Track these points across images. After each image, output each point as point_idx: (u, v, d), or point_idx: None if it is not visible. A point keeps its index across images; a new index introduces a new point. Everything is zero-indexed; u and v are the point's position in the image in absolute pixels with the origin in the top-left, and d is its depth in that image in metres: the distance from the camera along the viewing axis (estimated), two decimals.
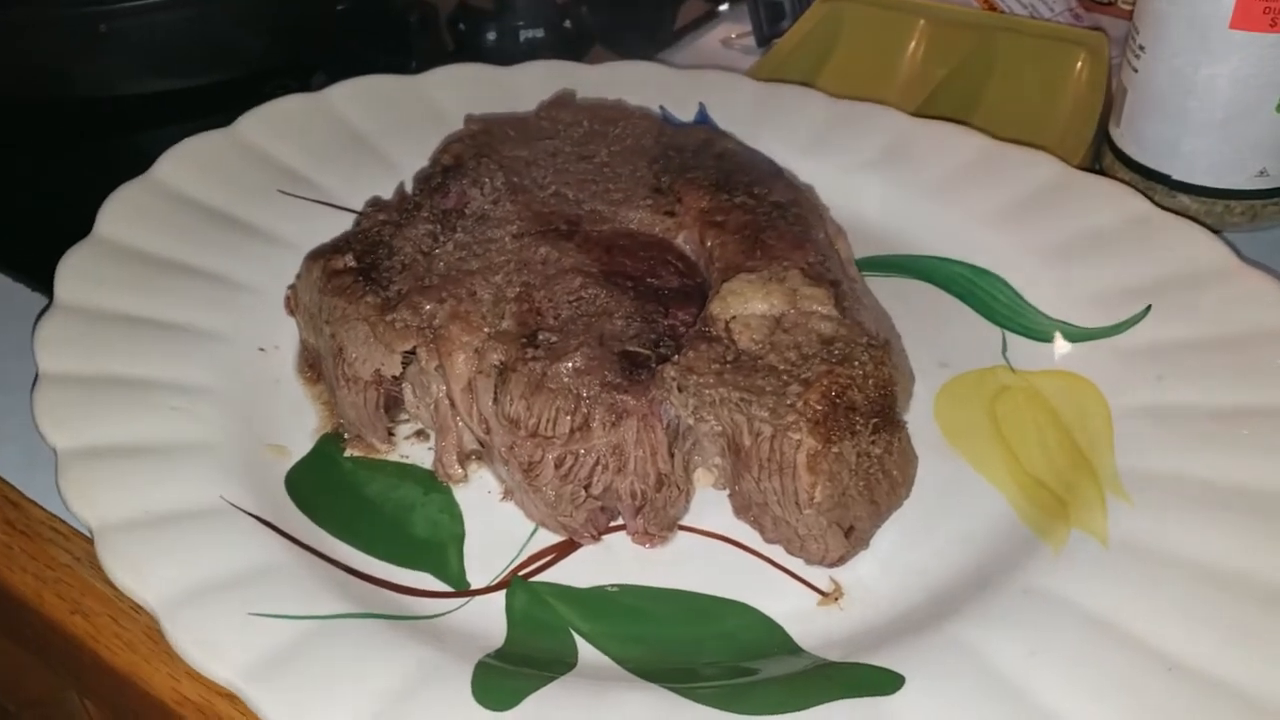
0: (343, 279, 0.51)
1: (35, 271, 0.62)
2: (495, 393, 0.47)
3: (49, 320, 0.53)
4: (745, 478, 0.46)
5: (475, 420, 0.48)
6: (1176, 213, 0.64)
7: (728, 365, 0.45)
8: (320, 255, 0.53)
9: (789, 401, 0.44)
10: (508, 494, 0.49)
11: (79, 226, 0.58)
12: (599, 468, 0.46)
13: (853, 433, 0.44)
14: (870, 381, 0.46)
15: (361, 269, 0.51)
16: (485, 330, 0.48)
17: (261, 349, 0.56)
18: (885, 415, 0.46)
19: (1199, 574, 0.44)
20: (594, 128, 0.59)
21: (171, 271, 0.57)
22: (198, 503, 0.47)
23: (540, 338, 0.47)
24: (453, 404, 0.48)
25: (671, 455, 0.47)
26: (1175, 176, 0.65)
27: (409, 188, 0.60)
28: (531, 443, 0.46)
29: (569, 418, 0.45)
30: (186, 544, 0.45)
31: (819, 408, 0.44)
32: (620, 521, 0.48)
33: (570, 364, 0.45)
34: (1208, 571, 0.44)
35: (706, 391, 0.45)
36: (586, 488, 0.46)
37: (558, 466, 0.45)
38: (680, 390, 0.45)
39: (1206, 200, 0.65)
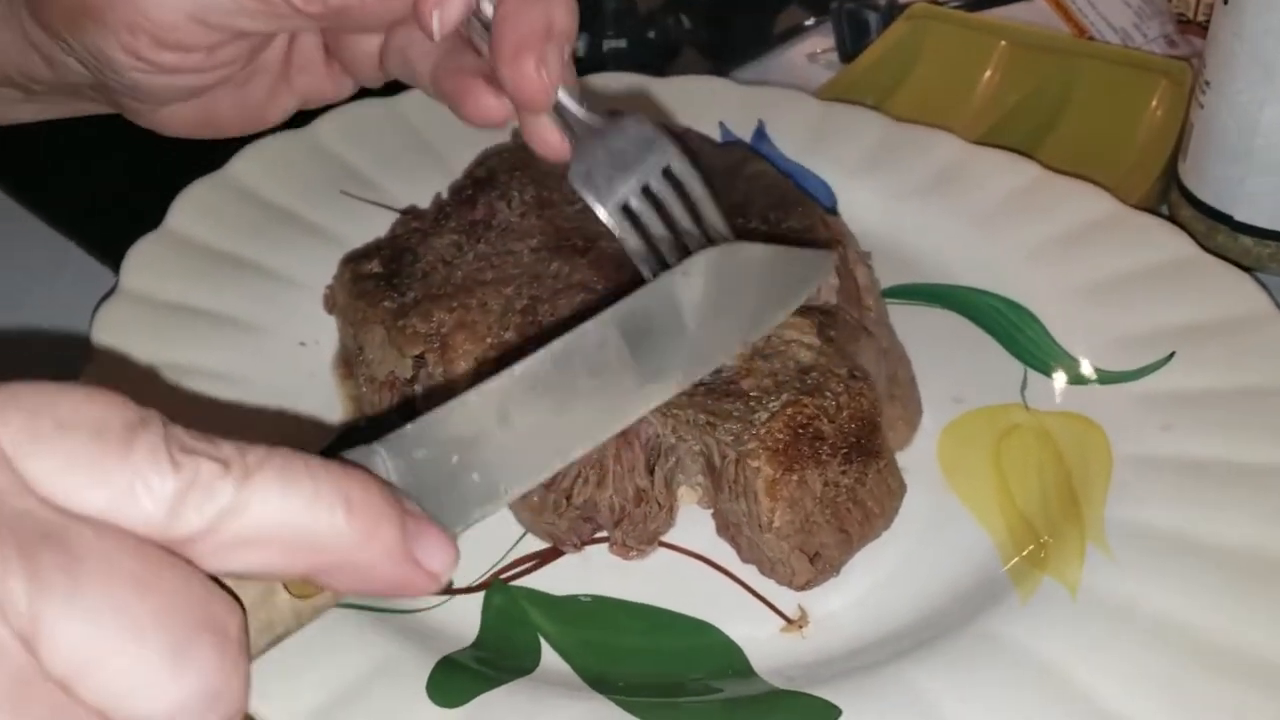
0: (366, 283, 0.54)
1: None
2: None
3: (109, 305, 0.57)
4: (720, 497, 0.48)
5: None
6: (1238, 255, 0.63)
7: (700, 388, 0.46)
8: (352, 258, 0.56)
9: (753, 430, 0.45)
10: None
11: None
12: (580, 480, 0.48)
13: (818, 462, 0.45)
14: (844, 413, 0.46)
15: (385, 274, 0.54)
16: (489, 341, 0.50)
17: (302, 343, 0.59)
18: (859, 446, 0.47)
19: (1160, 634, 0.43)
20: None
21: (229, 265, 0.61)
22: None
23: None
24: None
25: (651, 472, 0.48)
26: (1238, 218, 0.63)
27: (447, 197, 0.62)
28: None
29: None
30: None
31: (780, 436, 0.45)
32: (604, 533, 0.50)
33: None
34: (1169, 632, 0.43)
35: (677, 411, 0.46)
36: (568, 498, 0.48)
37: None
38: (658, 410, 0.47)
39: (1271, 244, 0.63)
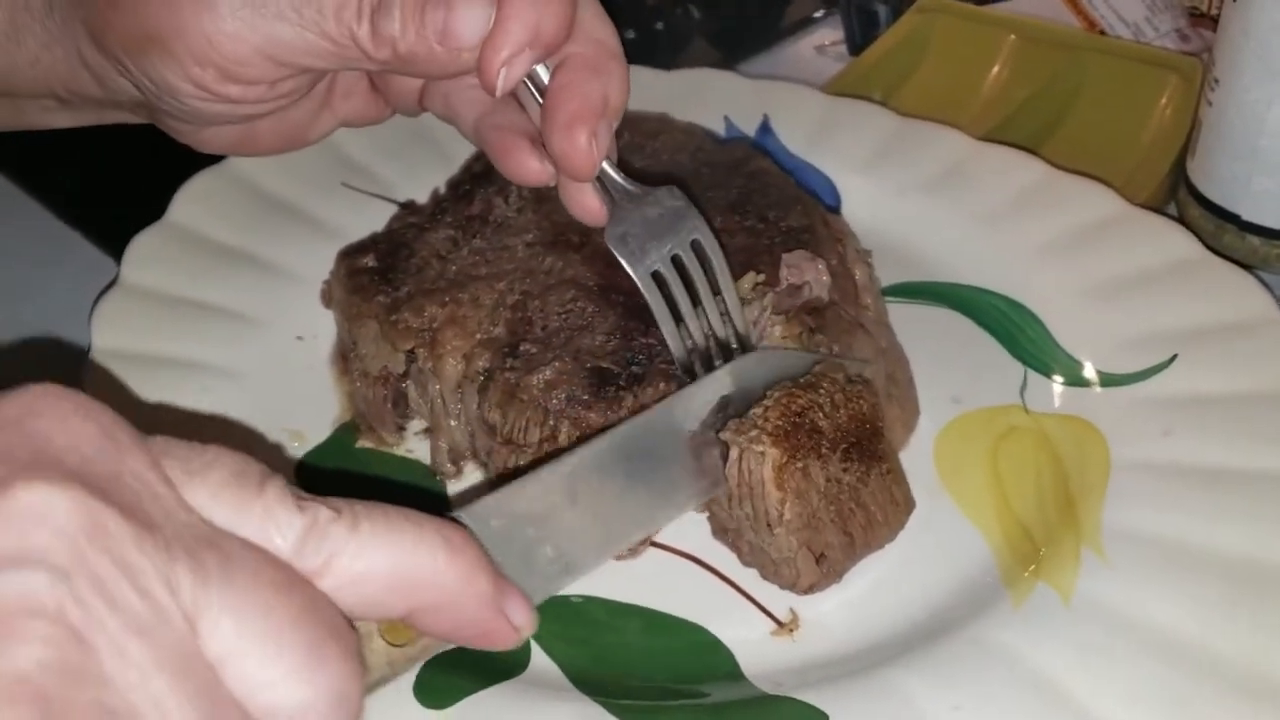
0: (361, 277, 0.54)
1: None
2: (479, 398, 0.49)
3: (109, 298, 0.57)
4: (719, 505, 0.47)
5: (462, 422, 0.50)
6: (1244, 255, 0.62)
7: None
8: (348, 253, 0.56)
9: (752, 420, 0.45)
10: None
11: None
12: None
13: (819, 454, 0.45)
14: (841, 411, 0.46)
15: (379, 269, 0.54)
16: (477, 336, 0.50)
17: (300, 337, 0.59)
18: (859, 446, 0.46)
19: (1152, 642, 0.43)
20: (634, 140, 0.61)
21: (230, 258, 0.61)
22: None
23: (521, 348, 0.49)
24: (444, 404, 0.51)
25: None
26: (1245, 217, 0.62)
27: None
28: (506, 449, 0.48)
29: (539, 429, 0.47)
30: None
31: (779, 423, 0.44)
32: None
33: (541, 377, 0.47)
34: (1163, 641, 0.43)
35: None
36: None
37: None
38: None
39: (1277, 243, 0.62)
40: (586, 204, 0.47)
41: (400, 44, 0.43)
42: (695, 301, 0.47)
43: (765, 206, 0.55)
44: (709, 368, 0.47)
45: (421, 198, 0.65)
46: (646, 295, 0.46)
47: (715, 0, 0.84)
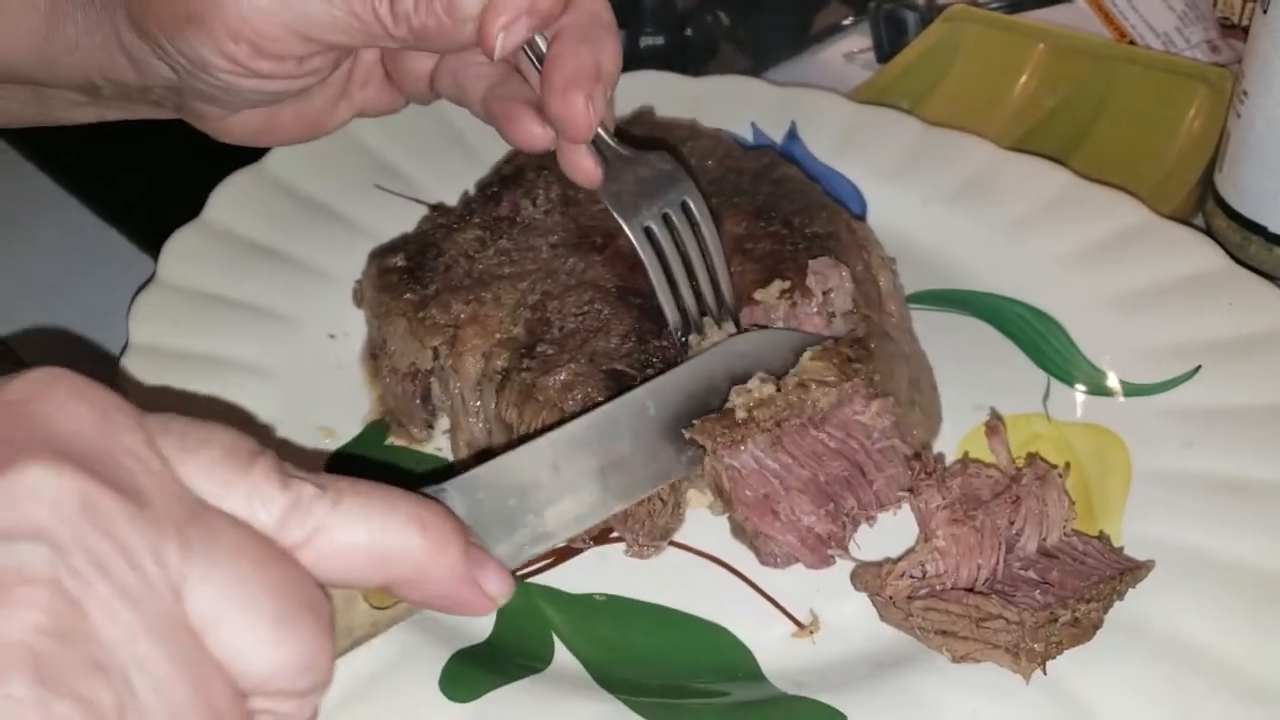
0: (390, 276, 0.55)
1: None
2: (496, 397, 0.50)
3: (145, 295, 0.58)
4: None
5: (481, 420, 0.51)
6: (1271, 267, 0.62)
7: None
8: (378, 253, 0.57)
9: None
10: None
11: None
12: None
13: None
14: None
15: (409, 268, 0.55)
16: (497, 335, 0.51)
17: (332, 335, 0.60)
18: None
19: (1172, 654, 0.43)
20: (663, 146, 0.61)
21: (264, 257, 0.62)
22: None
23: (538, 349, 0.50)
24: (464, 401, 0.51)
25: None
26: (1272, 229, 0.62)
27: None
28: None
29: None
30: None
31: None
32: (618, 534, 0.51)
33: (557, 378, 0.48)
34: (1180, 652, 0.43)
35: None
36: None
37: None
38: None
39: None
40: (583, 166, 0.49)
41: (414, 19, 0.47)
42: (687, 265, 0.49)
43: (790, 213, 0.55)
44: (698, 325, 0.50)
45: (451, 200, 0.66)
46: (638, 247, 0.48)
47: (744, 7, 0.85)
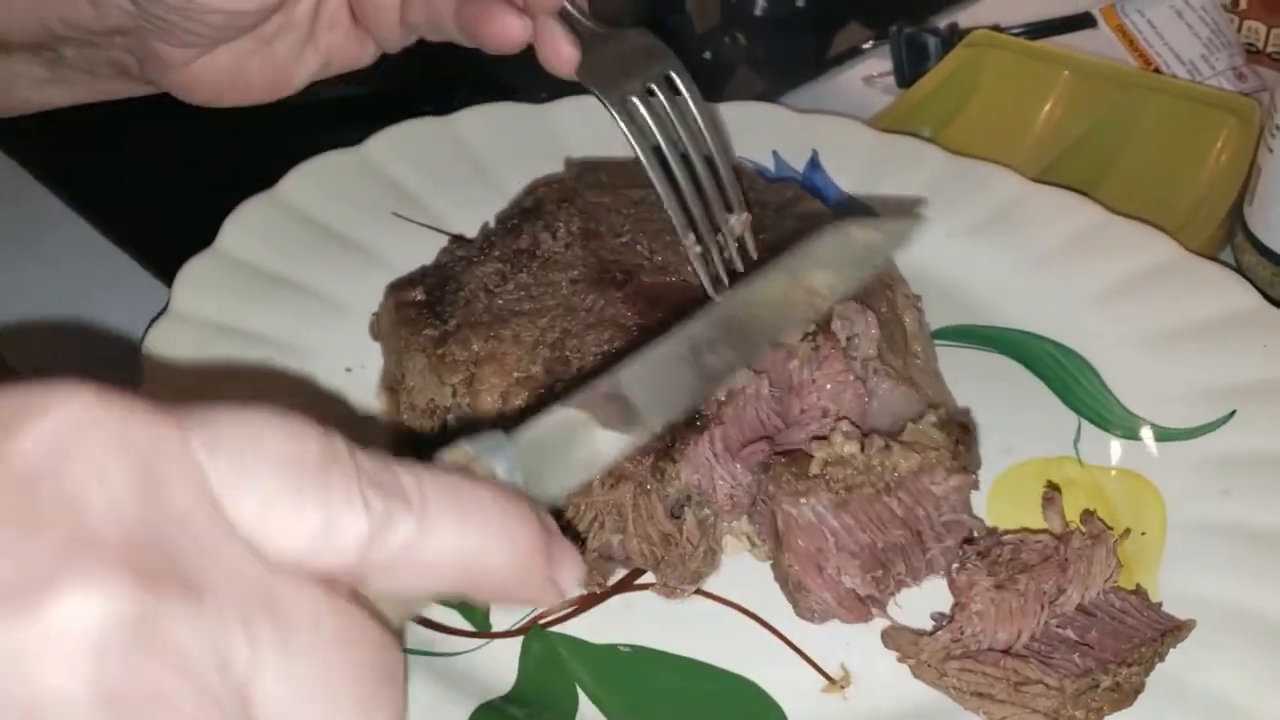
0: (409, 310, 0.54)
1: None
2: None
3: (159, 327, 0.57)
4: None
5: None
6: None
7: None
8: (396, 286, 0.56)
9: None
10: None
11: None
12: (595, 524, 0.47)
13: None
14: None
15: (428, 302, 0.54)
16: (515, 375, 0.50)
17: (348, 369, 0.59)
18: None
19: (1204, 707, 0.42)
20: None
21: (279, 287, 0.61)
22: None
23: (556, 389, 0.49)
24: None
25: (677, 517, 0.48)
26: None
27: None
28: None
29: None
30: None
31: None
32: (646, 580, 0.50)
33: None
34: (1218, 711, 0.42)
35: None
36: (583, 541, 0.48)
37: (558, 517, 0.47)
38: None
39: None
40: (559, 48, 0.48)
41: None
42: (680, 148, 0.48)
43: None
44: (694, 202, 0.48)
45: (468, 228, 0.65)
46: (618, 121, 0.46)
47: (763, 29, 0.84)
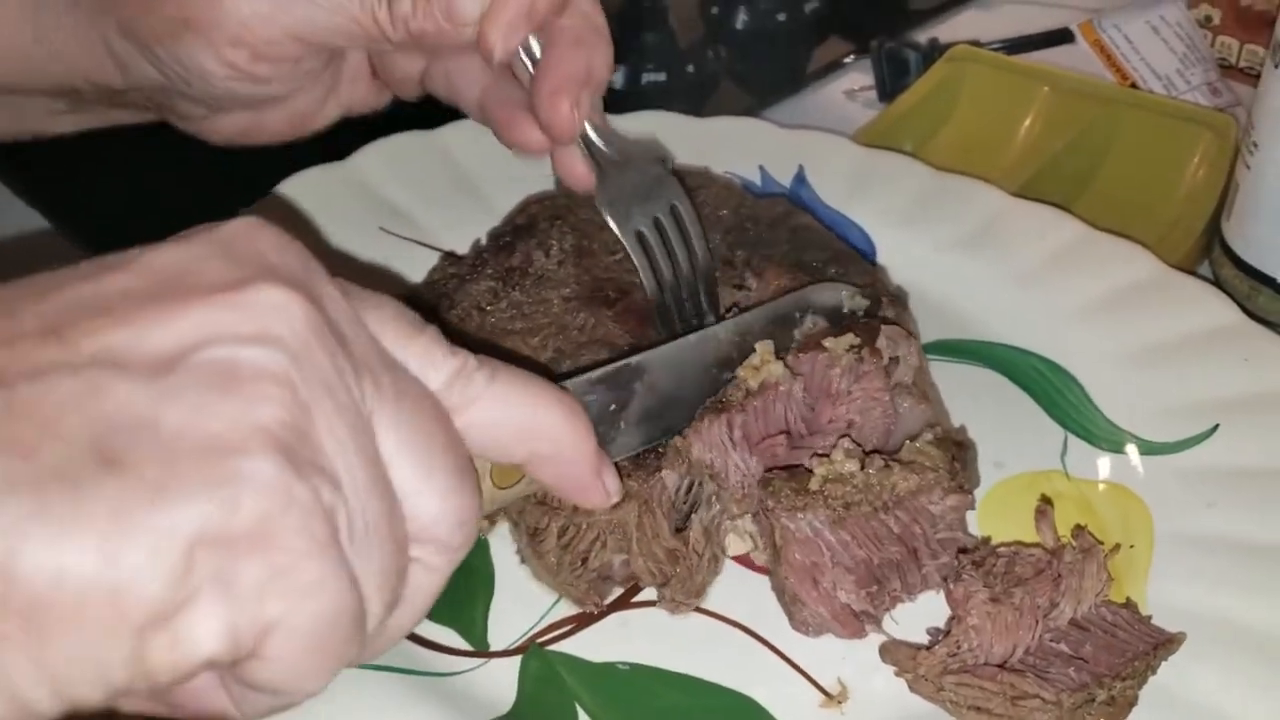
0: None
1: None
2: None
3: None
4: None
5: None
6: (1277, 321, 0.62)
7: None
8: None
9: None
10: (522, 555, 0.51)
11: None
12: (598, 543, 0.48)
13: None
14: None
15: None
16: None
17: None
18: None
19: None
20: None
21: None
22: None
23: None
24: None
25: (681, 530, 0.48)
26: None
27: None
28: (539, 509, 0.48)
29: None
30: None
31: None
32: (642, 597, 0.50)
33: None
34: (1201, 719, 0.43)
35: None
36: (584, 560, 0.48)
37: (560, 535, 0.47)
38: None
39: None
40: (574, 169, 0.52)
41: (412, 23, 0.48)
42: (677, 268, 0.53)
43: (825, 262, 0.55)
44: (684, 318, 0.53)
45: (457, 244, 0.65)
46: (631, 254, 0.52)
47: (745, 44, 0.85)
